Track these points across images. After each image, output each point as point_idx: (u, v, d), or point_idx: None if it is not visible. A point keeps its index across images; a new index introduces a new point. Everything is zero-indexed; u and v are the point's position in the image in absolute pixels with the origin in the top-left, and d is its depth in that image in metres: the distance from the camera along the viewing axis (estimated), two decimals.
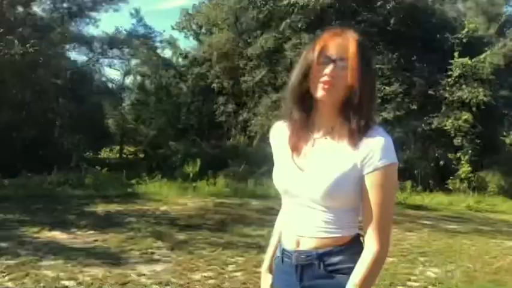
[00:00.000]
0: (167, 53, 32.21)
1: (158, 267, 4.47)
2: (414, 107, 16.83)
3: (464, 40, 16.55)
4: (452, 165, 16.84)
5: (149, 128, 18.00)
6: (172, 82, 20.24)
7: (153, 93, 18.48)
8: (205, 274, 4.36)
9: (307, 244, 1.42)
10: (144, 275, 4.19)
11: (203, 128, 21.88)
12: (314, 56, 1.41)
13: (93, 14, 20.50)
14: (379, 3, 16.47)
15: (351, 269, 1.36)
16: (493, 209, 13.21)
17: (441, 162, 17.09)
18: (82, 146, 12.25)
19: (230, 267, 4.66)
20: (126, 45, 22.53)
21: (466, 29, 16.62)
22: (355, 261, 1.37)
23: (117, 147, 19.30)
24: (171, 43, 27.09)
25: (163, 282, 4.01)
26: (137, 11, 22.51)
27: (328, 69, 1.37)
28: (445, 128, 16.22)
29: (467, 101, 16.04)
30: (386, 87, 16.99)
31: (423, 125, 16.88)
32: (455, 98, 16.24)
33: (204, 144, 19.12)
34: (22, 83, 11.93)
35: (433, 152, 17.22)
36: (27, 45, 11.37)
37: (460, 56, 16.33)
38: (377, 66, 17.07)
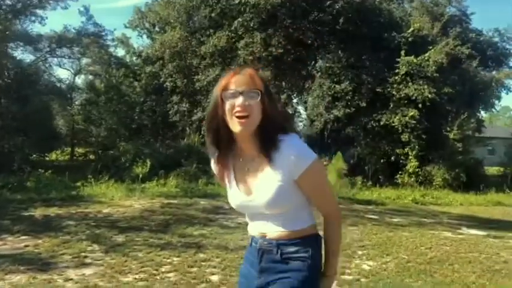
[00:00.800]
0: (120, 52, 31.53)
1: (88, 271, 4.37)
2: (363, 104, 17.22)
3: (410, 39, 17.08)
4: (401, 161, 17.35)
5: (99, 129, 17.57)
6: (124, 81, 19.85)
7: (103, 92, 18.03)
8: (137, 276, 4.29)
9: (270, 235, 1.72)
10: (71, 279, 4.08)
11: (157, 128, 21.60)
12: (218, 94, 1.60)
13: (40, 11, 19.86)
14: (328, 2, 16.71)
15: (302, 257, 1.70)
16: (436, 202, 13.72)
17: (391, 158, 17.56)
18: (26, 149, 11.76)
19: (164, 268, 4.61)
20: (76, 44, 21.96)
21: (411, 28, 17.15)
22: (307, 252, 1.71)
23: (68, 149, 18.77)
24: (124, 42, 26.60)
25: (90, 286, 3.91)
26: (87, 9, 22.00)
27: (239, 101, 1.56)
28: (393, 124, 16.68)
29: (413, 98, 16.55)
30: (337, 86, 17.32)
31: (372, 122, 17.30)
32: (402, 95, 16.73)
33: (158, 144, 18.88)
34: None
35: (383, 148, 17.67)
36: None
37: (406, 55, 16.84)
38: (327, 65, 17.38)
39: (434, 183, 16.46)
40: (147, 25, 25.79)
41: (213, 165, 1.79)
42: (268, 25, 17.67)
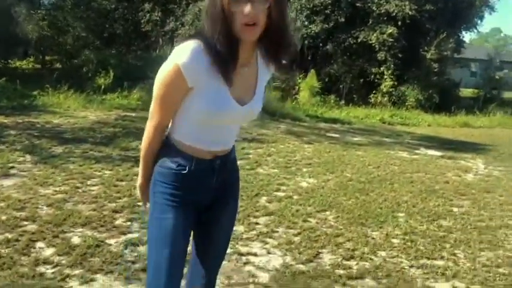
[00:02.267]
0: None
1: (7, 182, 4.24)
2: (342, 19, 16.63)
3: None
4: (376, 80, 17.14)
5: (66, 36, 16.79)
6: None
7: None
8: (58, 189, 4.19)
9: (223, 153, 1.65)
10: None
11: (129, 38, 20.75)
12: None
13: None
14: None
15: (236, 165, 1.79)
16: (404, 122, 13.74)
17: (367, 77, 17.33)
18: None
19: (90, 181, 4.51)
20: None
21: None
22: (236, 161, 1.78)
23: (32, 58, 18.06)
24: None
25: (4, 197, 3.80)
26: None
27: (247, 9, 1.40)
28: (370, 42, 16.24)
29: (393, 14, 15.97)
30: None
31: (350, 38, 16.82)
32: (382, 11, 16.13)
33: (128, 55, 18.23)
34: None
35: (359, 67, 17.36)
36: None
37: None
38: None
39: (407, 104, 16.42)
40: None
41: (194, 63, 1.44)
42: None
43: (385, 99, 16.76)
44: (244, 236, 3.54)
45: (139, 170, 1.71)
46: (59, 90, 10.35)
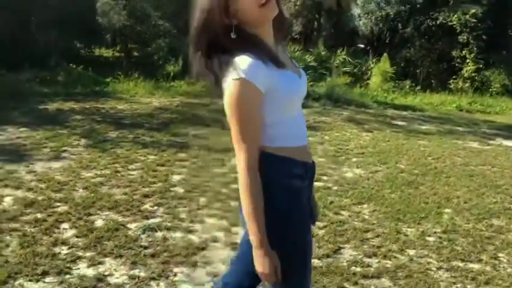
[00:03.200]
0: None
1: (56, 165, 4.52)
2: (420, 0, 15.68)
3: None
4: (457, 64, 16.02)
5: (144, 25, 17.48)
6: None
7: None
8: (99, 172, 4.38)
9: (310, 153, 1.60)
10: (34, 172, 4.25)
11: None
12: None
13: None
14: None
15: None
16: (485, 110, 12.72)
17: (447, 61, 16.27)
18: (61, 43, 12.00)
19: (132, 166, 4.67)
20: None
21: None
22: None
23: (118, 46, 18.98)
24: None
25: (45, 179, 4.05)
26: None
27: None
28: (451, 23, 15.16)
29: None
30: None
31: (429, 20, 15.83)
32: None
33: None
34: None
35: (439, 50, 16.33)
36: None
37: None
38: None
39: (491, 90, 15.16)
40: None
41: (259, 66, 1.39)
42: None
43: (467, 84, 15.59)
44: None
45: (254, 234, 1.36)
46: (129, 77, 10.84)
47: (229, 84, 1.34)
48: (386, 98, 12.80)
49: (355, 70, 15.31)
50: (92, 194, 3.80)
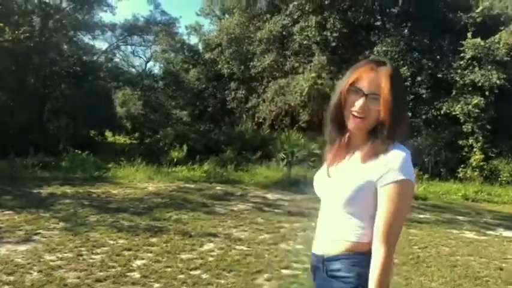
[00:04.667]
0: (194, 40, 32.48)
1: (22, 247, 4.55)
2: (423, 91, 16.07)
3: (479, 19, 15.54)
4: (464, 153, 15.97)
5: (157, 114, 18.27)
6: (182, 68, 20.44)
7: (160, 78, 18.73)
8: (61, 255, 4.38)
9: (320, 249, 1.64)
10: None
11: (217, 114, 21.95)
12: (345, 86, 1.58)
13: (111, 1, 20.99)
14: None
15: (346, 278, 1.55)
16: (492, 199, 12.40)
17: (454, 150, 16.26)
18: (71, 130, 12.56)
19: (98, 250, 4.66)
20: (146, 32, 22.89)
21: (480, 8, 15.55)
22: (351, 271, 1.54)
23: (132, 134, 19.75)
24: (197, 29, 27.25)
25: (5, 261, 4.06)
26: None
27: (359, 102, 1.54)
28: (454, 113, 15.36)
29: (479, 84, 15.08)
30: None
31: (433, 110, 16.10)
32: (467, 81, 15.32)
33: (214, 131, 19.13)
34: (18, 69, 12.42)
35: (445, 139, 16.40)
36: (19, 32, 11.81)
37: (473, 37, 15.35)
38: (385, 49, 16.45)
39: (500, 179, 14.92)
40: (217, 12, 26.23)
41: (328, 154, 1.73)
42: (324, 8, 17.12)
43: (476, 173, 15.40)
44: None
45: None
46: (132, 163, 11.13)
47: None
48: None
49: None
50: (44, 278, 3.77)
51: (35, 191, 7.73)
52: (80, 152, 11.12)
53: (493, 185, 14.52)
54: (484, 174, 15.33)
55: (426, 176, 15.31)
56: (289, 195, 9.38)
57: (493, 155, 15.46)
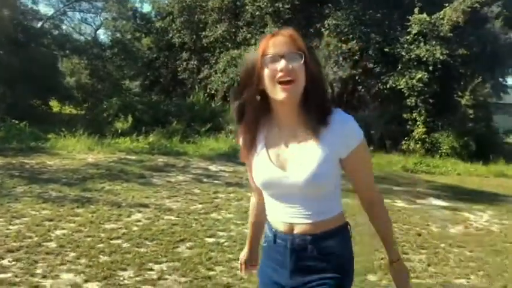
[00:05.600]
0: (147, 8, 31.50)
1: None
2: (371, 65, 16.35)
3: None
4: (408, 126, 16.50)
5: (105, 84, 17.77)
6: (132, 36, 19.92)
7: (108, 47, 18.18)
8: None
9: (300, 229, 1.51)
10: None
11: (168, 85, 21.59)
12: (258, 59, 1.44)
13: None
14: None
15: (341, 252, 1.54)
16: (430, 170, 12.95)
17: (399, 123, 16.77)
18: (9, 99, 12.05)
19: (17, 221, 4.56)
20: None
21: None
22: (341, 246, 1.55)
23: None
24: None
25: None
26: None
27: (281, 64, 1.40)
28: (399, 87, 15.77)
29: (424, 59, 15.48)
30: (344, 45, 16.47)
31: (380, 84, 16.45)
32: (412, 56, 15.67)
33: (166, 101, 18.81)
34: None
35: (391, 113, 16.86)
36: None
37: (420, 13, 15.68)
38: (334, 22, 16.54)
39: (440, 151, 15.56)
40: None
41: (240, 137, 1.58)
42: None
43: (418, 146, 15.98)
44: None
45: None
46: (74, 133, 10.83)
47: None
48: None
49: None
50: None
51: None
52: (17, 122, 10.69)
53: (434, 157, 15.15)
54: (426, 147, 15.92)
55: (371, 148, 15.75)
56: (233, 167, 9.43)
57: (435, 127, 16.06)
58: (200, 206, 5.87)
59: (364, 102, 17.53)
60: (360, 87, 17.05)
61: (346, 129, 1.52)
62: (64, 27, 22.00)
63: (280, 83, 1.40)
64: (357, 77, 16.97)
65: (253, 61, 1.46)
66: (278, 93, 1.42)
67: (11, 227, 4.37)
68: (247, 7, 17.74)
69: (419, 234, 5.61)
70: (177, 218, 5.21)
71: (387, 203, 7.44)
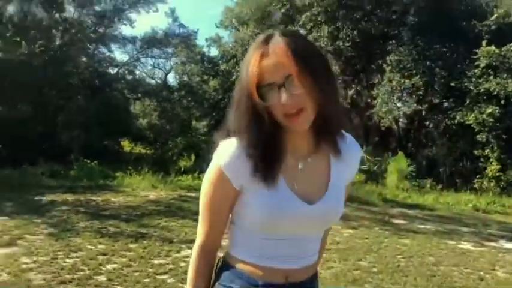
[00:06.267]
0: (214, 52, 32.95)
1: (3, 251, 4.75)
2: (436, 100, 15.87)
3: (494, 27, 15.28)
4: (480, 163, 15.63)
5: (173, 125, 18.59)
6: (199, 78, 20.82)
7: (176, 89, 19.12)
8: (36, 258, 4.56)
9: (299, 276, 1.32)
10: None
11: None
12: (253, 87, 1.17)
13: (131, 15, 21.65)
14: None
15: None
16: (505, 211, 12.06)
17: (469, 160, 15.96)
18: (81, 140, 12.93)
19: (75, 254, 4.82)
20: (165, 45, 23.41)
21: (495, 15, 15.29)
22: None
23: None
24: (217, 41, 27.66)
25: None
26: (173, 11, 23.29)
27: (283, 98, 1.15)
28: (468, 122, 15.07)
29: (494, 93, 14.78)
30: (407, 81, 16.17)
31: (447, 119, 15.85)
32: (481, 90, 15.02)
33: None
34: (35, 82, 12.92)
35: (460, 149, 16.11)
36: (35, 46, 12.33)
37: (488, 45, 15.10)
38: (398, 58, 16.34)
39: None
40: (236, 24, 26.58)
41: (233, 165, 1.24)
42: (336, 19, 17.19)
43: (492, 184, 15.03)
44: None
45: None
46: (140, 171, 11.37)
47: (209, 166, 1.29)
48: (398, 196, 12.53)
49: (375, 168, 15.34)
50: (12, 279, 3.95)
51: (36, 199, 8.01)
52: (88, 161, 11.42)
53: (510, 196, 14.14)
54: (501, 185, 14.94)
55: (440, 186, 15.06)
56: None
57: (510, 165, 15.07)
58: None
59: (431, 138, 16.91)
60: (427, 122, 16.50)
61: (357, 157, 1.39)
62: (137, 72, 23.55)
63: (287, 115, 1.17)
64: (423, 113, 16.51)
65: (246, 90, 1.19)
66: (291, 126, 1.20)
67: (67, 259, 4.62)
68: None
69: (482, 279, 5.22)
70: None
71: (451, 244, 7.06)
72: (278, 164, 1.23)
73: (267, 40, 1.20)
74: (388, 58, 16.90)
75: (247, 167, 1.22)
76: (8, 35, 12.20)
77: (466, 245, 7.26)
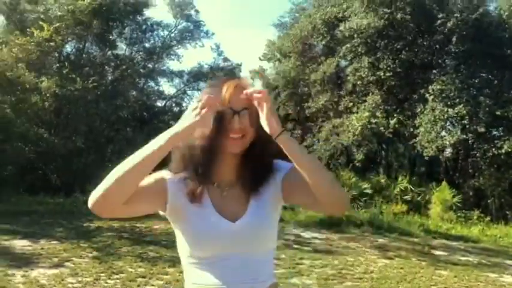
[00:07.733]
0: (257, 83, 33.74)
1: (50, 272, 5.16)
2: (482, 129, 15.52)
3: None
4: None
5: None
6: None
7: None
8: (80, 279, 4.92)
9: None
10: (26, 276, 4.91)
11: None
12: (219, 108, 1.36)
13: (178, 50, 22.74)
14: (439, 21, 15.69)
15: None
16: None
17: None
18: None
19: (116, 276, 5.15)
20: (210, 78, 24.32)
21: None
22: None
23: None
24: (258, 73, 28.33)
25: (30, 282, 4.67)
26: (217, 46, 24.23)
27: (235, 123, 1.36)
28: None
29: None
30: (450, 110, 15.96)
31: (494, 149, 15.43)
32: None
33: None
34: (88, 115, 13.79)
35: (509, 180, 15.63)
36: (88, 82, 13.23)
37: None
38: (440, 87, 16.22)
39: None
40: (279, 57, 27.23)
41: (172, 183, 1.47)
42: (377, 49, 17.34)
43: None
44: None
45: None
46: None
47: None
48: (441, 227, 12.26)
49: (418, 198, 15.16)
50: None
51: (85, 225, 8.50)
52: None
53: None
54: None
55: (488, 218, 14.60)
56: (326, 235, 9.46)
57: None
58: (282, 270, 6.02)
59: (478, 168, 16.46)
60: (474, 152, 16.12)
61: (281, 173, 1.47)
62: (184, 104, 24.51)
63: (232, 138, 1.37)
64: (469, 142, 16.16)
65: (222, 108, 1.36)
66: (231, 147, 1.38)
67: (109, 280, 4.96)
68: (348, 77, 18.20)
69: None
70: None
71: (492, 277, 6.90)
72: (206, 187, 1.42)
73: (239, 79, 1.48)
74: (430, 87, 16.79)
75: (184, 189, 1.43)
76: (64, 72, 13.14)
77: (509, 279, 7.06)
